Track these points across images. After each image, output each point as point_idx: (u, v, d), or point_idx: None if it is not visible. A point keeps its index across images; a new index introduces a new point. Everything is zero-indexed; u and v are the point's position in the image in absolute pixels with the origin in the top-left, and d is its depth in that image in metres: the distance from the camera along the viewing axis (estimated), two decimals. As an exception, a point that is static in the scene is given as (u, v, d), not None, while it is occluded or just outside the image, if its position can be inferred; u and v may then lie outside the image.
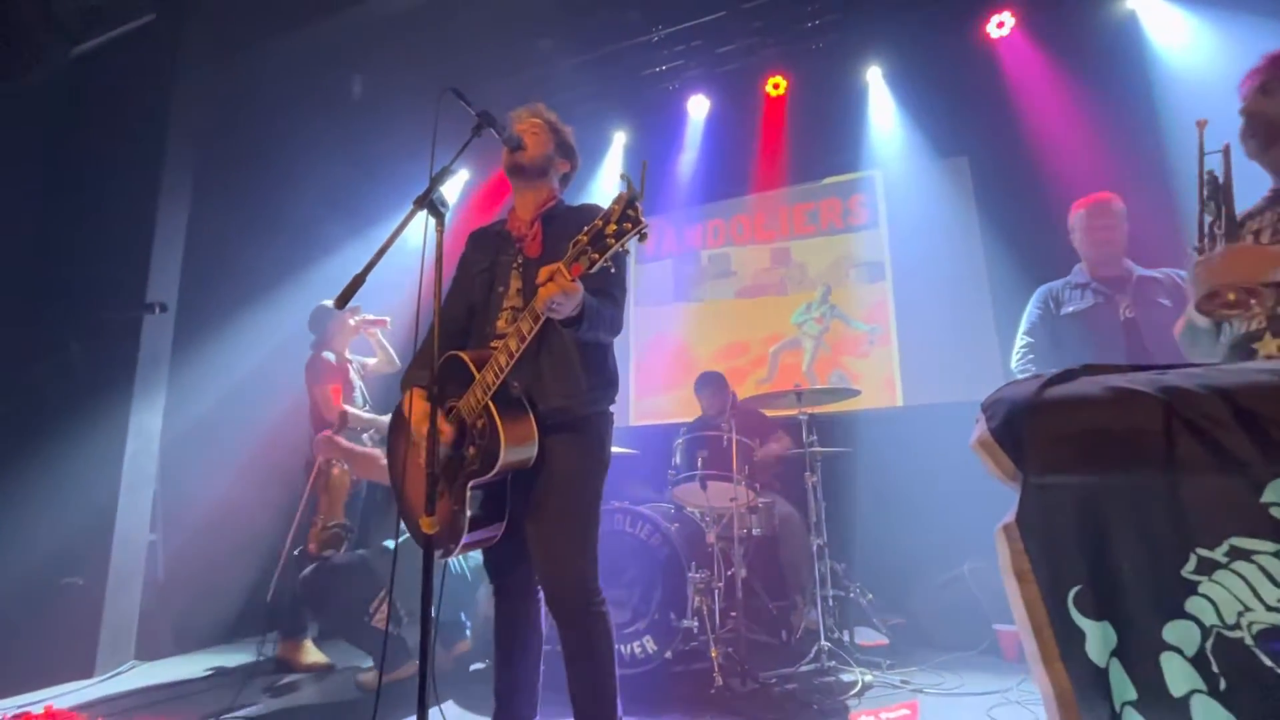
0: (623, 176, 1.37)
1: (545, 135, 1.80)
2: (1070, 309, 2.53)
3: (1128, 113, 3.42)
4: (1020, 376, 2.52)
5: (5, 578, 3.07)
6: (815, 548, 2.81)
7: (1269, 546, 0.78)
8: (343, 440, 2.94)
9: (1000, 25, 3.77)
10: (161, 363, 3.50)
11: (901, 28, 4.00)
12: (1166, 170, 3.13)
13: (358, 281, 1.36)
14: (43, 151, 3.63)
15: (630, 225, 1.34)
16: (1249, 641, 0.77)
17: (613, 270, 1.48)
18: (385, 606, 2.70)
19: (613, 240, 1.35)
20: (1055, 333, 2.56)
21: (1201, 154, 1.46)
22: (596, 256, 1.36)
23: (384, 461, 2.39)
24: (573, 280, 1.38)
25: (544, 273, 1.41)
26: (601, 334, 1.62)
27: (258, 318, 4.05)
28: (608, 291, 1.64)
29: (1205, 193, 1.43)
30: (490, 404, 1.54)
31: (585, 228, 1.39)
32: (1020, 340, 2.66)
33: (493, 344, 1.69)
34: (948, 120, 3.96)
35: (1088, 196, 2.62)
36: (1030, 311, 2.67)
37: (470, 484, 1.55)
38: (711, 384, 3.59)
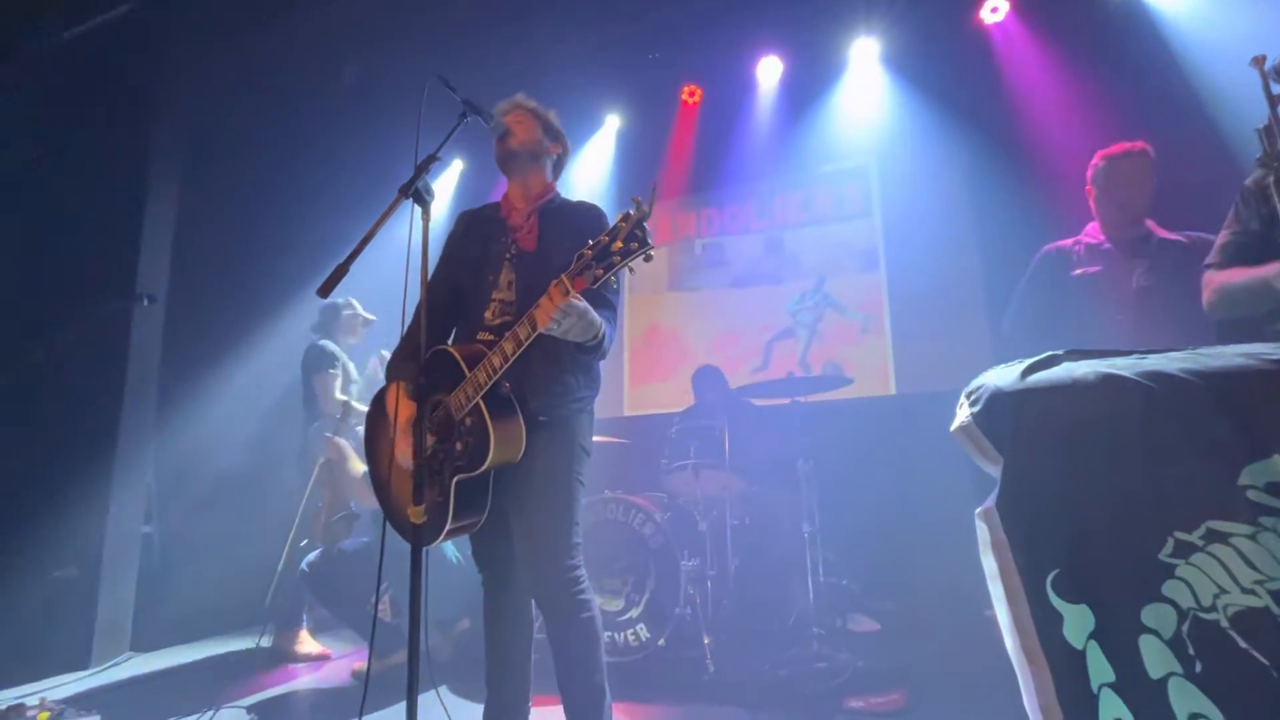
0: (634, 199, 1.36)
1: (531, 121, 1.79)
2: (1081, 270, 2.27)
3: (1134, 88, 3.30)
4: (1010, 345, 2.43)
5: (1, 570, 3.07)
6: (807, 535, 2.83)
7: (1245, 529, 0.78)
8: (347, 449, 2.93)
9: (994, 10, 3.74)
10: (152, 354, 3.49)
11: (896, 14, 3.96)
12: (1183, 141, 2.88)
13: (341, 271, 1.35)
14: (27, 141, 3.59)
15: (637, 245, 1.35)
16: (1224, 624, 0.78)
17: (614, 283, 1.49)
18: (382, 597, 2.73)
19: (618, 259, 1.36)
20: (1060, 297, 2.31)
21: (1270, 96, 1.31)
22: (600, 273, 1.37)
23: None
24: (576, 292, 1.39)
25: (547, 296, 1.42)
26: (610, 349, 1.65)
27: (248, 307, 4.03)
28: (605, 298, 1.65)
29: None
30: (481, 403, 1.54)
31: (590, 242, 1.39)
32: (1012, 305, 2.45)
33: (480, 336, 1.69)
34: (941, 107, 3.93)
35: (1114, 145, 2.32)
36: (1029, 274, 2.42)
37: (456, 478, 1.55)
38: (707, 379, 3.59)
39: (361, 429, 3.12)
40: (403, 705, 1.29)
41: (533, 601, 1.76)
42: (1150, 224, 2.29)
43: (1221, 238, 1.55)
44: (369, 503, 2.84)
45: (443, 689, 2.52)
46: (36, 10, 3.50)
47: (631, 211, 1.36)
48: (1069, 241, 2.38)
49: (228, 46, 3.83)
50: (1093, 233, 2.36)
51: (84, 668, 2.99)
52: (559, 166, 1.90)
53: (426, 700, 2.30)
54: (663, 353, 4.61)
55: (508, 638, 1.75)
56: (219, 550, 3.70)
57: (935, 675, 2.47)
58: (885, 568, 3.32)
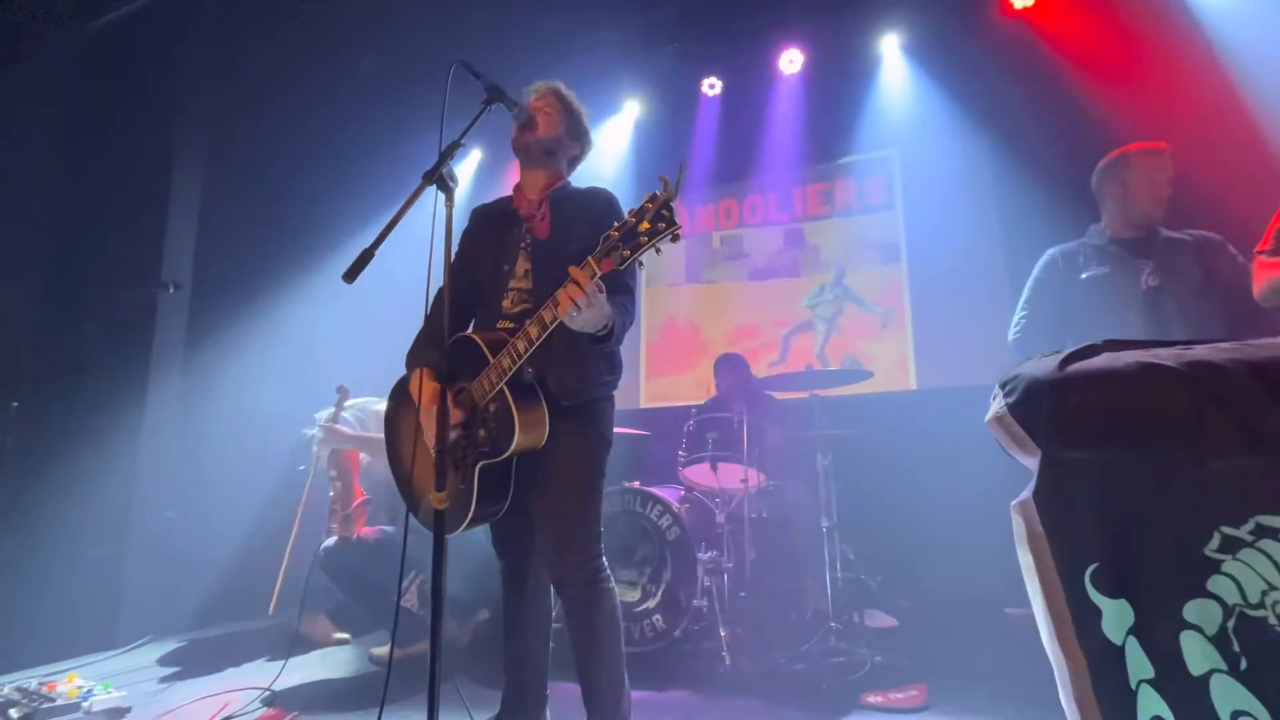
0: (660, 178, 1.34)
1: (558, 116, 1.77)
2: (1089, 273, 2.25)
3: (1163, 79, 3.20)
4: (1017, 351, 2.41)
5: (30, 550, 3.14)
6: (825, 530, 2.81)
7: (1297, 525, 0.75)
8: (345, 430, 2.94)
9: (1023, -4, 3.65)
10: (177, 340, 3.55)
11: (920, 3, 3.89)
12: (1214, 134, 2.86)
13: (366, 256, 1.35)
14: (56, 130, 3.64)
15: (664, 225, 1.33)
16: (1273, 621, 0.75)
17: (639, 264, 1.48)
18: (408, 586, 2.75)
19: (645, 239, 1.34)
20: (1067, 301, 2.28)
21: None
22: (627, 254, 1.35)
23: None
24: (602, 275, 1.38)
25: (573, 279, 1.39)
26: (623, 336, 1.63)
27: (271, 294, 4.08)
28: (623, 283, 1.64)
29: None
30: (505, 389, 1.54)
31: (616, 223, 1.37)
32: (1018, 313, 2.42)
33: (501, 324, 1.69)
34: (966, 98, 3.86)
35: (1135, 143, 2.28)
36: (1035, 278, 2.39)
37: (479, 464, 1.55)
38: (730, 366, 3.57)
39: (354, 416, 3.13)
40: (420, 695, 1.29)
41: (552, 590, 1.76)
42: (1154, 224, 2.26)
43: (1275, 223, 1.49)
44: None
45: (460, 679, 2.54)
46: (63, 1, 3.55)
47: (658, 192, 1.34)
48: (1073, 244, 2.36)
49: (252, 35, 3.86)
50: (1097, 233, 2.33)
51: (111, 647, 3.06)
52: (575, 164, 1.89)
53: (444, 691, 2.32)
54: (679, 345, 4.60)
55: (527, 626, 1.76)
56: (243, 537, 3.75)
57: (954, 672, 2.44)
58: (904, 564, 3.29)
